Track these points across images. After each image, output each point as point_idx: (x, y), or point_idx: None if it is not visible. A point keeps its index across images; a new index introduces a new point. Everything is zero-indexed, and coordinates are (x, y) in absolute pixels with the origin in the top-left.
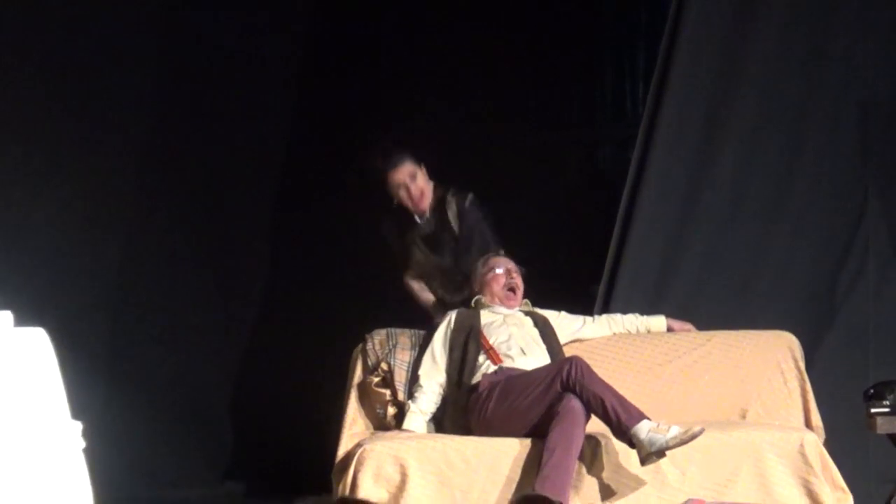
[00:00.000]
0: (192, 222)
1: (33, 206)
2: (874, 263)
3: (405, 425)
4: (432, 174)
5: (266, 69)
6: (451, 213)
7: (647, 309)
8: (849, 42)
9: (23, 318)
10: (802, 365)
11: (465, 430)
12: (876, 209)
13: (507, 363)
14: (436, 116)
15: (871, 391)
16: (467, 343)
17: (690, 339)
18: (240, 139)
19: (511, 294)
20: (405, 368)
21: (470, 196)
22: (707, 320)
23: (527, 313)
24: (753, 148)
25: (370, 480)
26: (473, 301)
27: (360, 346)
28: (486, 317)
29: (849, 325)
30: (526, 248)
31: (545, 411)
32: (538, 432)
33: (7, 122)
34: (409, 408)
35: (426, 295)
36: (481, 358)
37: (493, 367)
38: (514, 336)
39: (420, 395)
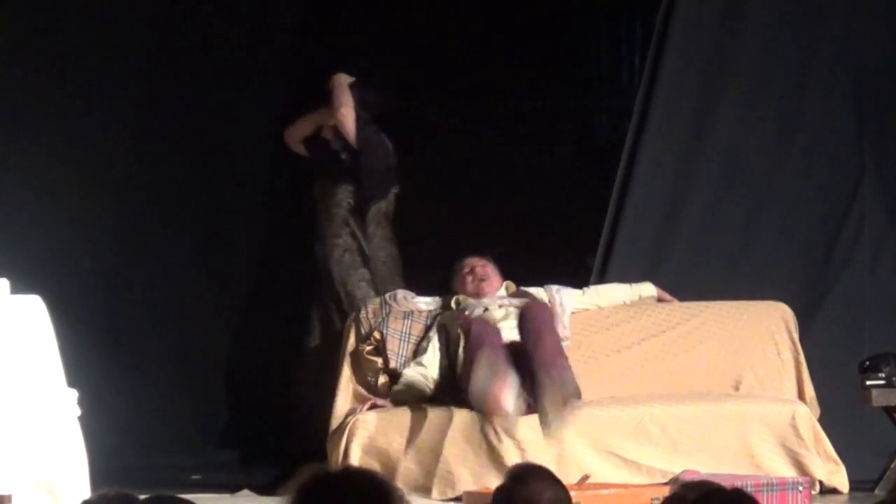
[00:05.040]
0: (187, 194)
1: (31, 177)
2: (870, 234)
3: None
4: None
5: (261, 56)
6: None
7: (643, 280)
8: (844, 11)
9: (19, 287)
10: (796, 336)
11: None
12: (872, 180)
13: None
14: (431, 86)
15: (867, 363)
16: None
17: (684, 309)
18: (234, 118)
19: (481, 285)
20: (398, 337)
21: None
22: (702, 291)
23: (512, 295)
24: (749, 118)
25: (361, 451)
26: (453, 301)
27: (354, 314)
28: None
29: (844, 297)
30: (521, 218)
31: None
32: None
33: (4, 98)
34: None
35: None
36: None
37: None
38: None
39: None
